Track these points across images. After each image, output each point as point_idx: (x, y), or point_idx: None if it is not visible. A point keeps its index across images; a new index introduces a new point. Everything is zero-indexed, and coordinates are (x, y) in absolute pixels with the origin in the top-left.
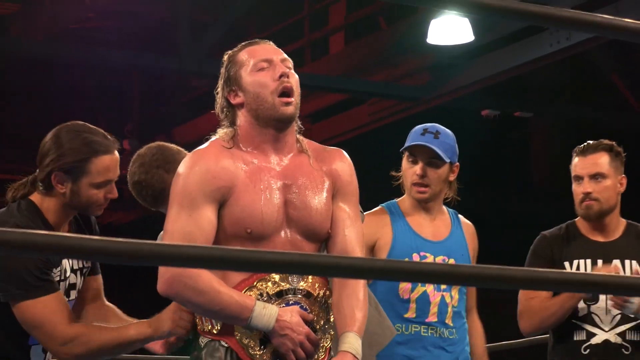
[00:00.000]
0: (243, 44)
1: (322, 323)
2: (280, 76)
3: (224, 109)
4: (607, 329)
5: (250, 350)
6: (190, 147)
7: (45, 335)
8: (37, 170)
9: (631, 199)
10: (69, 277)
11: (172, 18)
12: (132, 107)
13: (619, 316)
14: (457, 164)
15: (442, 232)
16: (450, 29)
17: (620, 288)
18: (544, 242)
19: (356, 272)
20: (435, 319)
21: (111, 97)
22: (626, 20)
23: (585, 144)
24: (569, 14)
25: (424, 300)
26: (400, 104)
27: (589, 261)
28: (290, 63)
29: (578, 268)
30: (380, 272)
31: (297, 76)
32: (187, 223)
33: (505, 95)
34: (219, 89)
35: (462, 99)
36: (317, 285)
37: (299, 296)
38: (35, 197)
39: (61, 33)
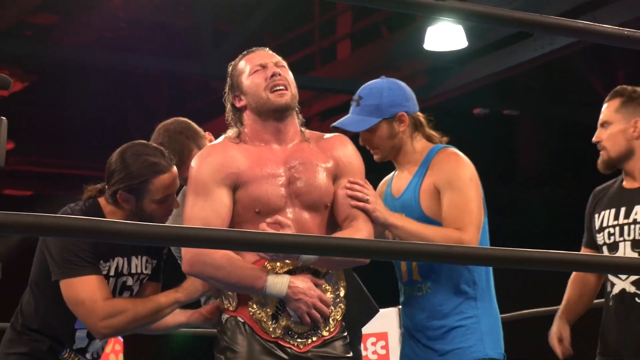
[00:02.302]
0: (243, 53)
1: (331, 298)
2: (272, 76)
3: (231, 113)
4: (623, 278)
5: (263, 324)
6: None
7: (86, 311)
8: (106, 184)
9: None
10: (125, 279)
11: (196, 27)
12: (160, 108)
13: None
14: (401, 112)
15: (403, 185)
16: (445, 36)
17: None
18: (589, 199)
19: (359, 253)
20: (406, 278)
21: (141, 98)
22: (604, 25)
23: None
24: (553, 20)
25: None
26: None
27: (612, 210)
28: (283, 63)
29: (602, 219)
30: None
31: (291, 74)
32: (203, 208)
33: (495, 95)
34: (226, 96)
35: (456, 99)
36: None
37: (308, 274)
38: (101, 200)
39: (96, 41)
